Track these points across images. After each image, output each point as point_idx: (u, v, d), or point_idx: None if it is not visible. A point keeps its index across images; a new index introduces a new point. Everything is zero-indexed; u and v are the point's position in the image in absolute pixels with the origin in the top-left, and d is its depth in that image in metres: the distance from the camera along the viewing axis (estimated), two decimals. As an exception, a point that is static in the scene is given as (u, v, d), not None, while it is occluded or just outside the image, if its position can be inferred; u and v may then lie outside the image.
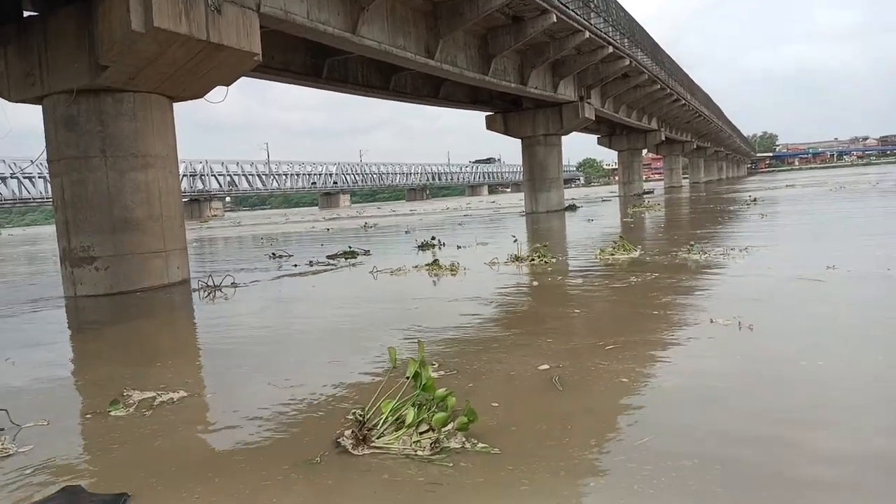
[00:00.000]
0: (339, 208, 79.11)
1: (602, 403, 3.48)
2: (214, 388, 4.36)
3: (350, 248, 13.48)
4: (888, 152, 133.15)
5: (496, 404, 3.48)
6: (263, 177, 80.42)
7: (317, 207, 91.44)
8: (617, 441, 2.95)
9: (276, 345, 5.70)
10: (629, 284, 7.32)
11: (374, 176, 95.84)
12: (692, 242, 10.28)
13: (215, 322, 7.20)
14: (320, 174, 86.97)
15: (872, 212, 16.27)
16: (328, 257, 12.98)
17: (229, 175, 76.93)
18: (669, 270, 8.11)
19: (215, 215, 72.85)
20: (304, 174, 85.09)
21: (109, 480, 2.87)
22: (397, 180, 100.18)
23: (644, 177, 54.89)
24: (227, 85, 10.84)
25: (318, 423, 3.45)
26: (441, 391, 3.09)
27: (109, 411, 3.85)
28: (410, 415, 2.99)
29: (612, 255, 9.92)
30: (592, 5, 22.42)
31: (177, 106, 10.73)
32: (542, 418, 3.26)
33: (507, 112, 27.94)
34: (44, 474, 3.00)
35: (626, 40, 26.80)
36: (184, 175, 64.75)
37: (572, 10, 20.20)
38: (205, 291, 9.17)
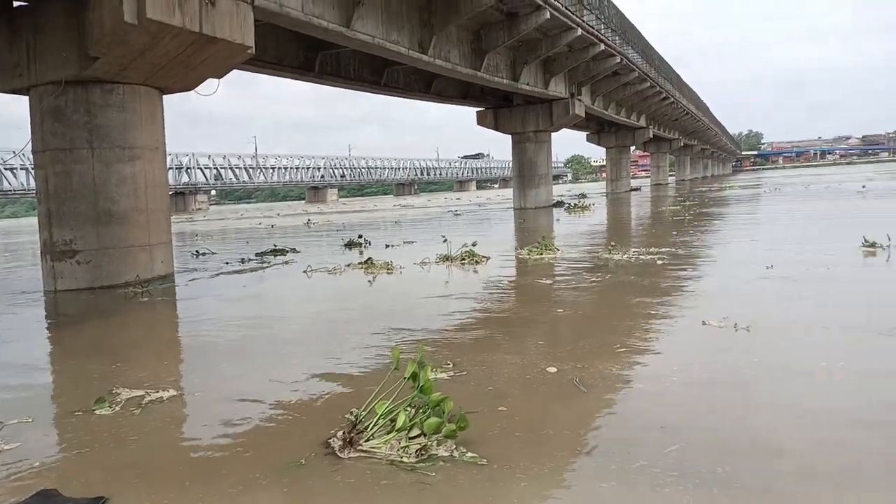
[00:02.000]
0: (326, 203, 78.72)
1: (618, 409, 3.35)
2: (203, 387, 4.29)
3: (276, 246, 13.69)
4: (869, 151, 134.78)
5: (504, 409, 3.39)
6: (250, 170, 79.80)
7: (303, 201, 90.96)
8: (638, 450, 2.78)
9: (256, 342, 5.63)
10: (593, 284, 7.38)
11: (363, 170, 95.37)
12: (612, 243, 10.45)
13: (194, 318, 7.10)
14: (308, 168, 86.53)
15: (785, 215, 16.57)
16: (257, 255, 13.07)
17: (216, 168, 76.24)
18: (621, 270, 8.21)
19: (200, 209, 72.20)
20: (291, 168, 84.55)
21: (91, 481, 2.82)
22: (385, 175, 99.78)
23: (632, 174, 55.06)
24: (219, 77, 10.67)
25: (309, 422, 3.39)
26: (436, 395, 2.99)
27: (94, 410, 3.77)
28: (401, 418, 2.92)
29: (540, 255, 10.02)
30: (586, 2, 22.41)
31: (164, 98, 10.57)
32: (552, 424, 3.13)
33: (497, 108, 27.90)
34: (29, 473, 2.94)
35: (617, 38, 26.83)
36: (170, 168, 64.15)
37: (565, 7, 20.18)
38: (133, 291, 8.86)
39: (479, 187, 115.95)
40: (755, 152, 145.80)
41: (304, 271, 10.08)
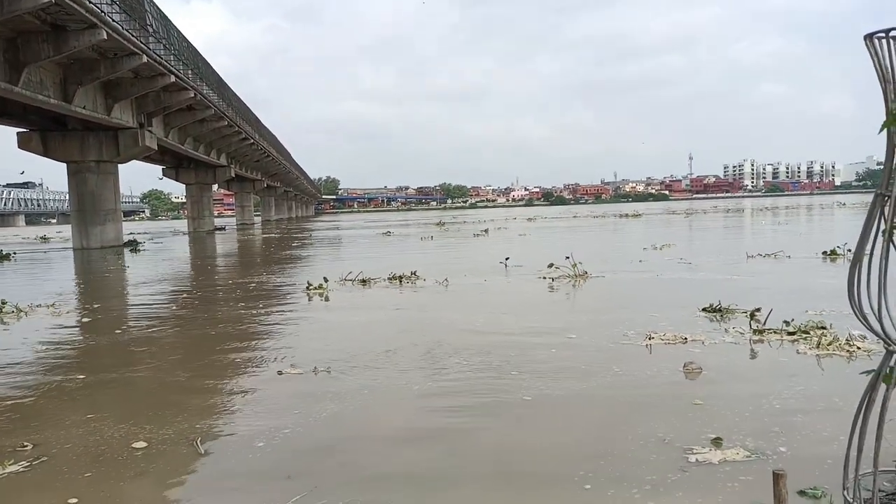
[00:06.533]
0: None
1: (236, 467, 3.33)
2: None
3: None
4: (423, 200, 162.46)
5: (74, 501, 2.94)
6: None
7: None
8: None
9: None
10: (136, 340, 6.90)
11: None
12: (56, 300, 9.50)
13: None
14: None
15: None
16: None
17: None
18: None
19: None
20: None
21: None
22: None
23: (217, 212, 54.31)
24: None
25: None
26: None
27: None
28: None
29: None
30: (151, 30, 21.31)
31: None
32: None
33: (48, 131, 24.12)
34: None
35: (189, 72, 26.25)
36: None
37: (127, 31, 18.81)
38: None
39: (29, 222, 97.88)
40: (334, 196, 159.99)
41: None
